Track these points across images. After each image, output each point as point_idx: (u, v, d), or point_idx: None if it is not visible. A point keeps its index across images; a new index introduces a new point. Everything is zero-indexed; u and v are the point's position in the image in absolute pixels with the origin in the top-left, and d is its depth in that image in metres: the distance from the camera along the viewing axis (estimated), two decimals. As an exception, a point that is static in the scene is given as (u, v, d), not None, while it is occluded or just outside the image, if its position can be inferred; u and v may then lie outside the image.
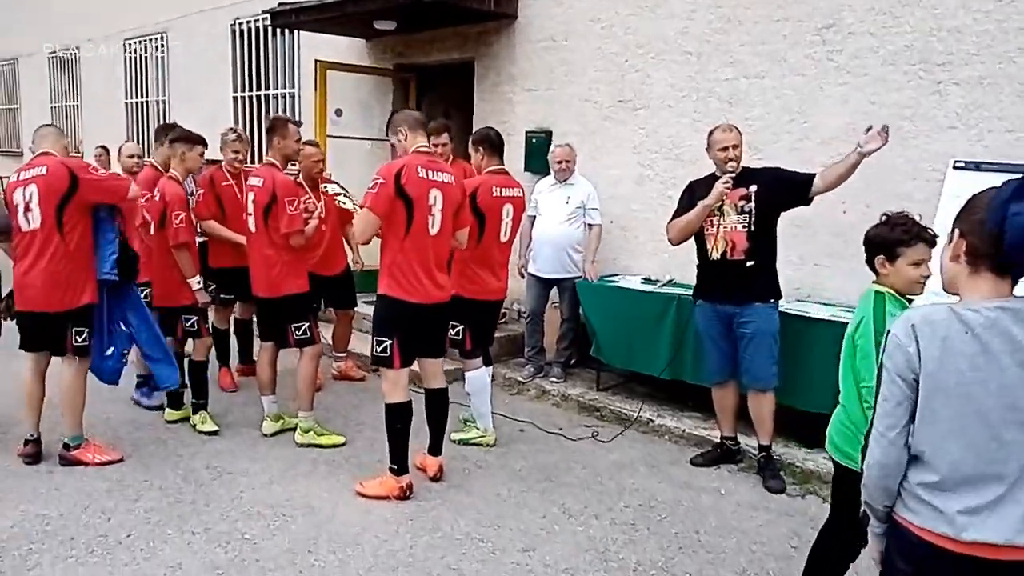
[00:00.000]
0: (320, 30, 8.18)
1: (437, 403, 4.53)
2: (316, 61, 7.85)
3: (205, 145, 5.34)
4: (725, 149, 4.48)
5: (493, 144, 4.91)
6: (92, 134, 12.89)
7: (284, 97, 9.74)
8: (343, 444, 5.00)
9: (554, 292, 6.30)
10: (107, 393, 5.25)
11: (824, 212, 5.33)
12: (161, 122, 11.65)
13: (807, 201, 4.49)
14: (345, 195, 4.96)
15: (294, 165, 5.54)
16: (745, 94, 5.71)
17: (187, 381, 5.33)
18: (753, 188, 4.48)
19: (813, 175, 4.41)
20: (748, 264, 4.49)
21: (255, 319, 5.58)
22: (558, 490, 4.49)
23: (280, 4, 7.71)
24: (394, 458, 4.31)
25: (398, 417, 4.27)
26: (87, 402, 4.71)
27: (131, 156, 6.41)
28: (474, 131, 5.38)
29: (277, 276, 4.85)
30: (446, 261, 4.36)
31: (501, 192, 4.79)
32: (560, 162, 6.09)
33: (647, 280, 6.05)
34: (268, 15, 7.96)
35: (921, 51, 4.93)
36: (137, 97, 12.39)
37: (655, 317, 5.58)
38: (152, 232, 5.17)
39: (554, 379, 6.24)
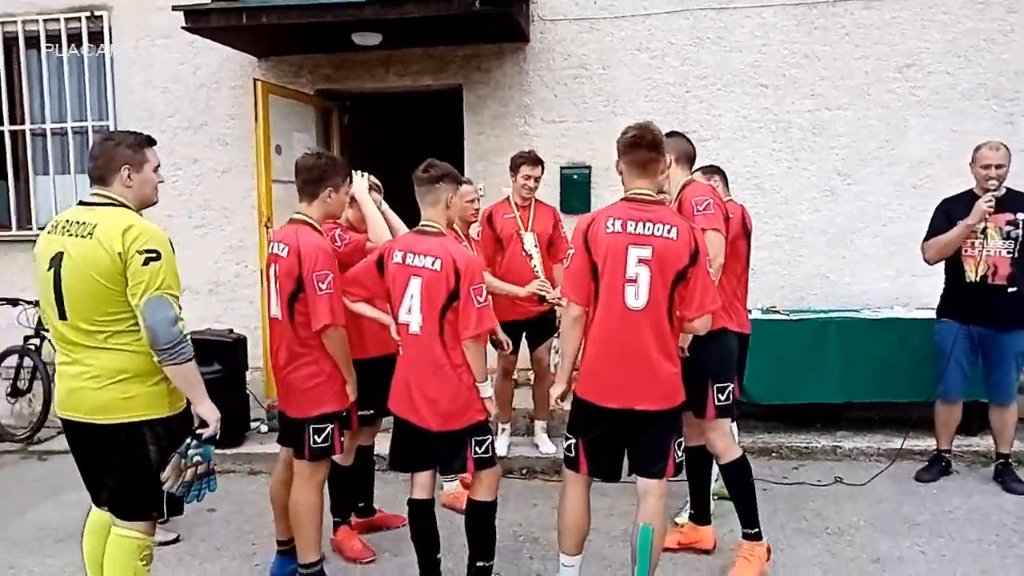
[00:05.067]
0: (235, 43, 6.06)
1: None
2: (256, 81, 5.75)
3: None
4: (988, 167, 4.64)
5: None
6: None
7: (82, 133, 6.80)
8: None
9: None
10: None
11: (917, 230, 5.93)
12: None
13: None
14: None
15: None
16: (829, 124, 6.02)
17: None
18: (1021, 216, 4.62)
19: None
20: (1010, 290, 4.63)
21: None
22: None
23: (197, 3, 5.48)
24: (754, 521, 3.72)
25: (748, 471, 3.79)
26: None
27: None
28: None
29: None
30: None
31: None
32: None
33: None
34: (180, 11, 5.55)
35: (993, 89, 5.88)
36: None
37: (813, 345, 5.51)
38: (418, 322, 3.34)
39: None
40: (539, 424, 5.37)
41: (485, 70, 6.31)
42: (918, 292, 5.98)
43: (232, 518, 4.49)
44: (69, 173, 6.81)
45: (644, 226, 3.18)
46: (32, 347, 6.24)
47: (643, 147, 3.28)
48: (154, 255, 2.79)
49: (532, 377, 5.36)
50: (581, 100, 6.24)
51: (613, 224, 3.20)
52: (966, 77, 5.90)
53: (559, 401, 3.47)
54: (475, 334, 3.31)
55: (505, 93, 6.31)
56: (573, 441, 3.38)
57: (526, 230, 4.98)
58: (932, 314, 5.38)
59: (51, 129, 6.81)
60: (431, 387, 3.35)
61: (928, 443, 5.19)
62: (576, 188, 6.16)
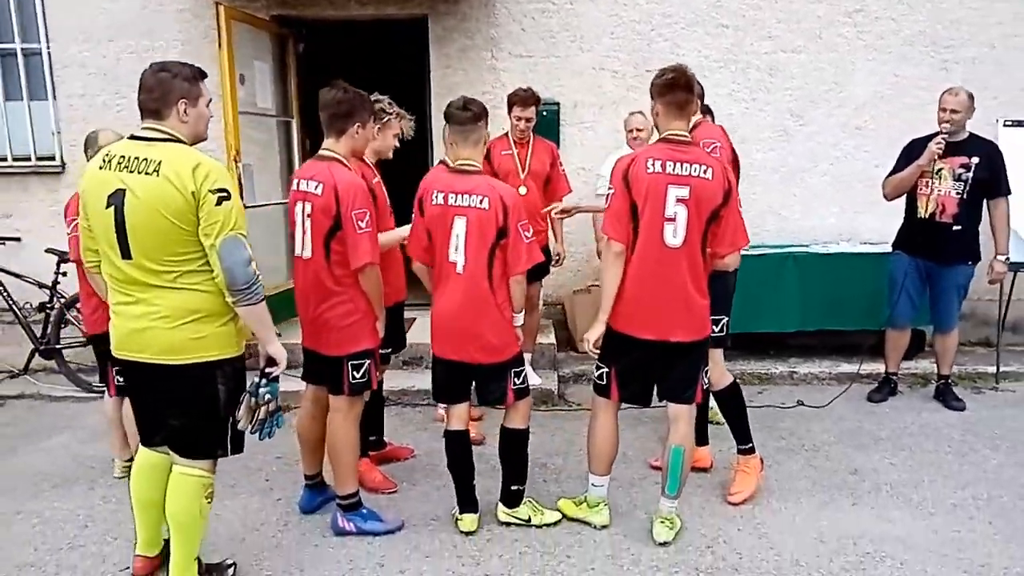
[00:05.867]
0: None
1: None
2: (218, 5, 5.44)
3: None
4: (944, 111, 4.99)
5: None
6: None
7: (10, 55, 6.25)
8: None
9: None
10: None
11: (860, 169, 6.39)
12: None
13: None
14: None
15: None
16: (784, 66, 6.30)
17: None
18: (975, 160, 4.98)
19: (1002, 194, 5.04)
20: (955, 228, 5.04)
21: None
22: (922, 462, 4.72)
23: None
24: (747, 437, 4.05)
25: (740, 395, 4.09)
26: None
27: None
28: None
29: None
30: None
31: None
32: (638, 129, 5.64)
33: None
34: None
35: (931, 36, 6.28)
36: None
37: (772, 278, 5.87)
38: (463, 262, 3.43)
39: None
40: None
41: (452, 1, 6.20)
42: (859, 228, 6.47)
43: (235, 456, 4.45)
44: (-2, 99, 6.31)
45: (682, 167, 3.32)
46: (-28, 286, 5.85)
47: (680, 88, 3.40)
48: (226, 194, 2.73)
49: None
50: (548, 35, 6.25)
51: (653, 164, 3.33)
52: (908, 24, 6.28)
53: (595, 347, 3.54)
54: (526, 269, 3.43)
55: (471, 25, 6.23)
56: (605, 370, 3.57)
57: (523, 168, 5.04)
58: (874, 249, 5.94)
59: (-28, 51, 6.25)
60: (478, 324, 3.46)
61: (871, 367, 5.68)
62: (546, 124, 6.19)
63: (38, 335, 5.81)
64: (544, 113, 6.20)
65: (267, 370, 2.99)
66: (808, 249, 6.11)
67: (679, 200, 3.32)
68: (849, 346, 6.11)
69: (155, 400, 2.93)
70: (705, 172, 3.33)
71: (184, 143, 2.82)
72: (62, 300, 5.71)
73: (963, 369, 5.85)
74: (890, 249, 5.49)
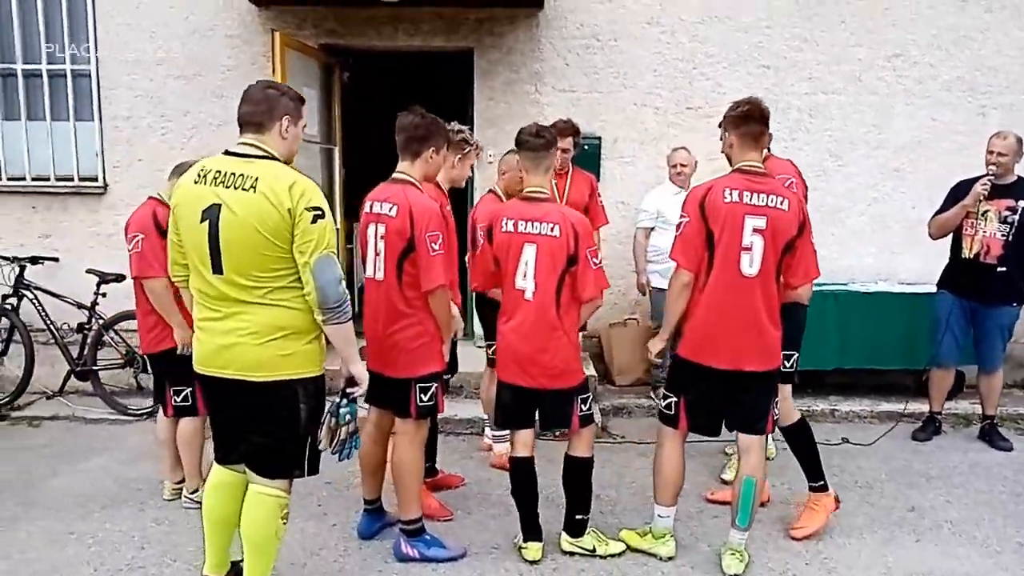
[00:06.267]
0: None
1: None
2: (274, 32, 5.51)
3: None
4: (991, 153, 5.05)
5: None
6: None
7: (60, 76, 6.28)
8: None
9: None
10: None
11: (897, 210, 6.44)
12: None
13: None
14: None
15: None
16: (824, 108, 6.38)
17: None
18: (1022, 203, 5.00)
19: None
20: (999, 269, 5.06)
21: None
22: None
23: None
24: (818, 474, 3.98)
25: (809, 431, 4.02)
26: None
27: None
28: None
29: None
30: None
31: None
32: (682, 165, 5.68)
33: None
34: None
35: (969, 82, 6.37)
36: None
37: (814, 315, 5.84)
38: (532, 289, 3.43)
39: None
40: None
41: (498, 34, 6.28)
42: (897, 268, 6.49)
43: (286, 481, 4.40)
44: (44, 119, 6.31)
45: (759, 197, 3.34)
46: (9, 306, 5.79)
47: (755, 120, 3.44)
48: (320, 213, 2.75)
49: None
50: (592, 70, 6.33)
51: (731, 194, 3.35)
52: (946, 70, 6.37)
53: (656, 357, 3.64)
54: (595, 295, 3.43)
55: (516, 59, 6.30)
56: (674, 399, 3.54)
57: (561, 198, 5.06)
58: (913, 289, 5.95)
59: (23, 71, 6.26)
60: (547, 351, 3.44)
61: (912, 407, 5.63)
62: (586, 159, 6.25)
63: (74, 356, 5.77)
64: (585, 147, 6.26)
65: (348, 390, 2.97)
66: (847, 287, 6.11)
67: (756, 230, 3.33)
68: (886, 385, 6.10)
69: (237, 417, 2.90)
70: (781, 203, 3.35)
71: (279, 161, 2.84)
72: (100, 321, 5.68)
73: (1004, 411, 5.79)
74: (929, 289, 5.52)
